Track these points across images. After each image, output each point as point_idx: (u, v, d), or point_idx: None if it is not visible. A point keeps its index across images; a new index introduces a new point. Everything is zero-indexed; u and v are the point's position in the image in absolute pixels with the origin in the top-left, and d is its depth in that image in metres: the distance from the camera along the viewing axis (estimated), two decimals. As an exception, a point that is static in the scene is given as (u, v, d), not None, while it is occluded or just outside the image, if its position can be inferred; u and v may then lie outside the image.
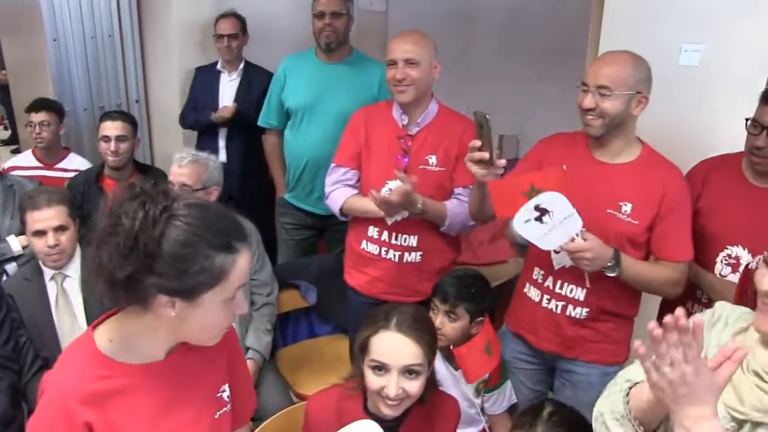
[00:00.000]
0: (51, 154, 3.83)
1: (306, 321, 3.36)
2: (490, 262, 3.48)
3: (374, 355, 1.77)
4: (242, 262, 1.30)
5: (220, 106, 3.90)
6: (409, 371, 1.75)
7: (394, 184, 2.43)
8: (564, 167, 2.10)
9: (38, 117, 3.74)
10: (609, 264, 2.05)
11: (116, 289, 1.24)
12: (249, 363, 2.74)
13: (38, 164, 3.79)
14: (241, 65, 3.97)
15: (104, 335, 1.37)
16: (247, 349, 2.79)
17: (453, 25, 4.48)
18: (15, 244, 3.16)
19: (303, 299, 3.24)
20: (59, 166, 3.84)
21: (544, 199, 1.99)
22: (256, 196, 3.82)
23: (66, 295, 2.58)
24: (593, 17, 2.82)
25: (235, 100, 3.87)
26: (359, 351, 1.82)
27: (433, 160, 2.49)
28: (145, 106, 4.53)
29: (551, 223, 2.00)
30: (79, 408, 1.30)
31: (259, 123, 3.59)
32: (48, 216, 2.52)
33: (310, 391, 2.93)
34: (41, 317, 2.55)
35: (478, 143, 2.02)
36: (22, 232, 3.18)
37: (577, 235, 2.01)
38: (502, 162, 2.06)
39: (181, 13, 4.15)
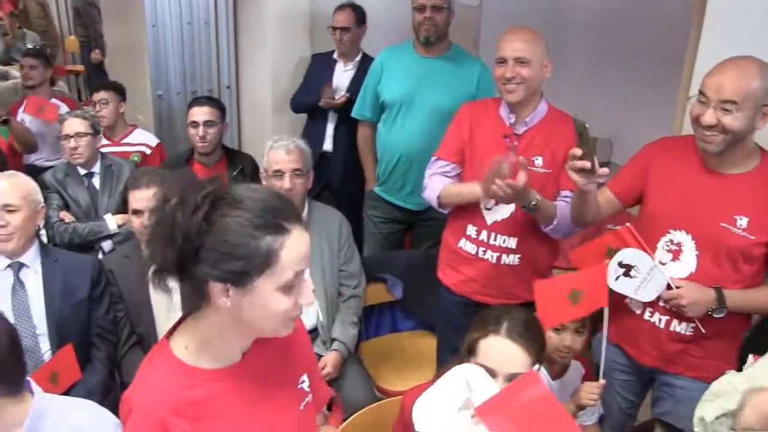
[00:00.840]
0: (115, 130, 3.98)
1: (390, 315, 3.35)
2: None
3: (482, 360, 1.74)
4: (296, 244, 1.23)
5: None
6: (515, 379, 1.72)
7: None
8: (628, 224, 2.10)
9: (98, 96, 3.94)
10: (713, 307, 2.00)
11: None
12: (334, 354, 2.75)
13: (106, 141, 3.91)
14: (358, 57, 3.93)
15: (180, 343, 1.36)
16: (333, 340, 2.80)
17: (547, 23, 4.38)
18: (111, 222, 3.26)
19: (389, 293, 3.23)
20: (125, 141, 4.00)
21: (624, 255, 2.08)
22: (355, 187, 3.81)
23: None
24: (695, 18, 2.68)
25: (348, 92, 3.82)
26: (466, 352, 1.80)
27: (539, 161, 2.43)
28: (235, 92, 4.60)
29: (640, 276, 2.07)
30: (174, 419, 1.29)
31: (353, 114, 3.60)
32: (146, 196, 2.56)
33: (392, 386, 2.94)
34: (139, 295, 2.60)
35: (578, 152, 1.97)
36: (119, 210, 3.29)
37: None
38: (605, 171, 2.00)
39: (276, 1, 4.18)
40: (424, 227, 3.45)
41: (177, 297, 2.53)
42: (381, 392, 2.93)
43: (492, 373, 1.70)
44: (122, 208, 3.29)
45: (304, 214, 2.81)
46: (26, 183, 2.45)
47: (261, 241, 1.19)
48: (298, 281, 1.26)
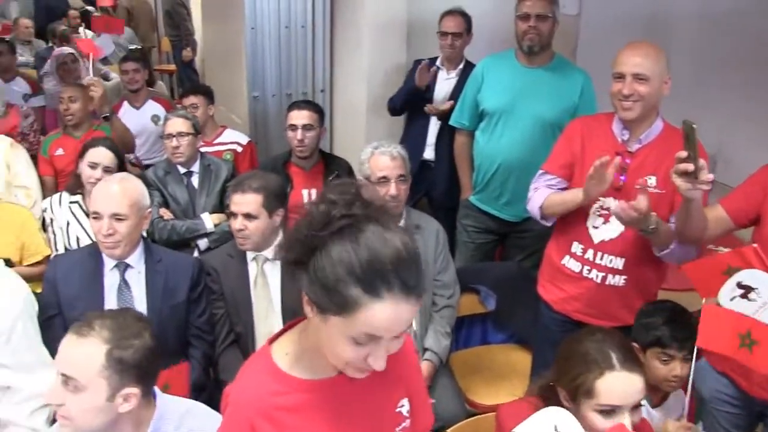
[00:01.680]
0: (207, 131, 4.04)
1: (480, 327, 3.29)
2: (681, 288, 3.27)
3: (605, 400, 1.66)
4: (382, 313, 1.14)
5: (434, 102, 3.86)
6: (635, 406, 1.66)
7: (609, 202, 2.33)
8: (755, 245, 1.97)
9: (187, 101, 4.05)
10: None
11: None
12: (425, 365, 2.72)
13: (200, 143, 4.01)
14: (461, 65, 3.89)
15: (281, 349, 1.36)
16: (425, 350, 2.77)
17: (648, 31, 4.24)
18: (208, 221, 3.33)
19: (481, 304, 3.18)
20: (217, 141, 4.11)
21: (746, 275, 1.95)
22: (456, 197, 3.74)
23: (265, 277, 2.64)
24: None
25: (450, 100, 3.78)
26: (583, 394, 1.71)
27: (652, 181, 2.34)
28: (329, 95, 4.64)
29: (760, 301, 1.93)
30: (261, 421, 1.31)
31: (450, 122, 3.56)
32: (242, 201, 2.58)
33: (481, 399, 2.91)
34: (240, 294, 2.63)
35: (684, 154, 1.91)
36: (215, 210, 3.37)
37: None
38: (710, 177, 1.93)
39: (373, 7, 4.19)
40: (517, 239, 3.39)
41: (277, 302, 2.59)
42: (471, 405, 2.89)
43: (619, 410, 1.65)
44: (219, 207, 3.40)
45: (402, 222, 2.80)
46: (135, 188, 2.46)
47: (349, 289, 1.14)
48: (374, 343, 1.20)
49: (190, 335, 2.58)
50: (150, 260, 2.52)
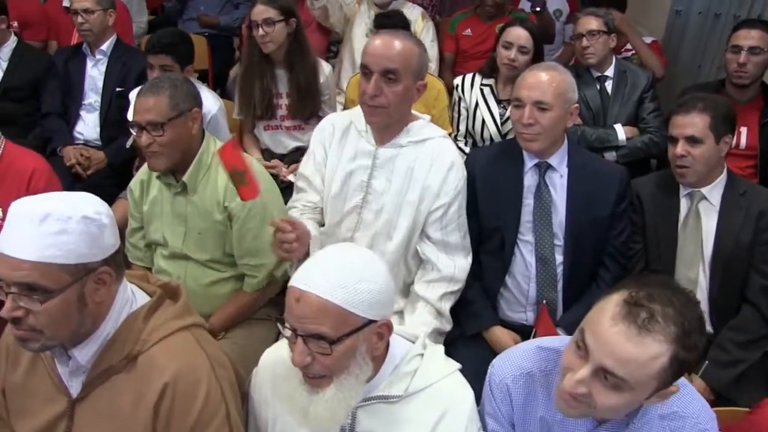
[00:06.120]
0: None
1: None
2: None
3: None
4: None
5: None
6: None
7: None
8: None
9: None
10: None
11: None
12: None
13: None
14: None
15: None
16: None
17: None
18: (621, 132, 3.12)
19: None
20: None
21: None
22: None
23: (698, 218, 2.28)
24: None
25: None
26: None
27: None
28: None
29: None
30: None
31: None
32: (684, 122, 2.23)
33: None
34: (664, 231, 2.32)
35: None
36: (629, 121, 3.13)
37: None
38: None
39: None
40: None
41: (708, 249, 2.18)
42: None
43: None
44: (633, 119, 3.15)
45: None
46: (564, 79, 2.22)
47: None
48: None
49: (605, 254, 2.32)
50: (575, 164, 2.29)
